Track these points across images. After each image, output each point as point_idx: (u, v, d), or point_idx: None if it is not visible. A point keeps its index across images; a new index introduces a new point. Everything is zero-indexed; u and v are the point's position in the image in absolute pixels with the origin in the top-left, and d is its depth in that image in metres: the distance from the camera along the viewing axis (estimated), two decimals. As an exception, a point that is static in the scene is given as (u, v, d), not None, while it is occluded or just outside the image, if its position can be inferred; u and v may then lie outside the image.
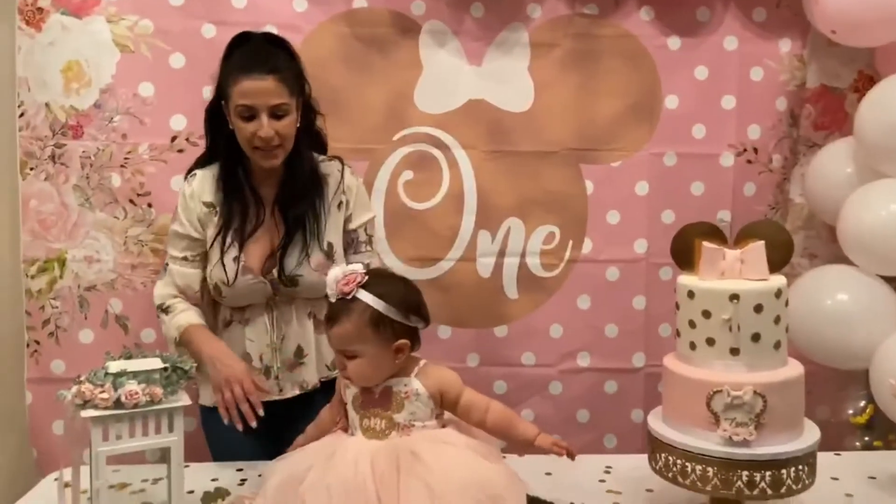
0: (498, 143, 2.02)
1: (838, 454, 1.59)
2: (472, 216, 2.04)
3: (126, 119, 1.90)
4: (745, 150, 2.07)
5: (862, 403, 1.92)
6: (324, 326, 1.31)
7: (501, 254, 2.05)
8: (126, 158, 1.90)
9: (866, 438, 1.95)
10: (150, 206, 1.92)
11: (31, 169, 1.89)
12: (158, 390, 1.18)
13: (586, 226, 2.06)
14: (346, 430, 1.27)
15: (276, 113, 1.51)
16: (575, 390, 2.08)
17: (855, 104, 1.96)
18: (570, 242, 2.07)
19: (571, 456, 1.28)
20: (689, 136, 2.05)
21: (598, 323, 2.08)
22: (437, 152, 2.02)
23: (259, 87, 1.49)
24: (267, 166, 1.56)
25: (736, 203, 2.06)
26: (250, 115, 1.50)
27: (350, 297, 1.21)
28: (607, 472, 1.52)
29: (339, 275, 1.22)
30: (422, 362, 1.28)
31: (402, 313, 1.23)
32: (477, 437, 1.26)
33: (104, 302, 1.94)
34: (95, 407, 1.16)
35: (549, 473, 1.51)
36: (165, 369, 1.21)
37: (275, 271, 1.56)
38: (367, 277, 1.22)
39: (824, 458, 1.57)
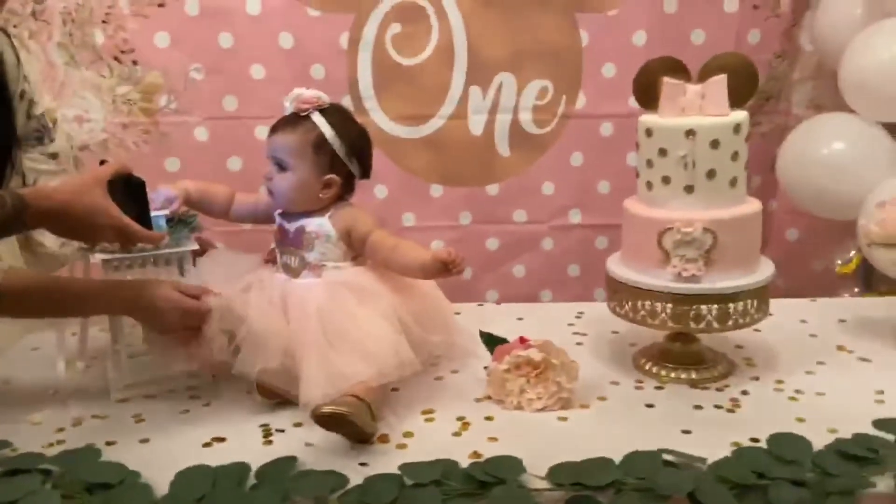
0: (488, -11, 1.93)
1: (814, 300, 1.59)
2: (462, 71, 1.98)
3: (102, -30, 1.86)
4: (751, -8, 1.94)
5: (852, 253, 1.89)
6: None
7: (493, 110, 2.00)
8: (107, 13, 1.87)
9: (856, 290, 1.93)
10: (135, 63, 1.90)
11: (15, 27, 1.88)
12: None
13: (580, 79, 2.00)
14: (274, 261, 1.28)
15: None
16: (566, 246, 2.08)
17: (874, -63, 1.80)
18: (564, 97, 2.01)
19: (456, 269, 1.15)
20: (692, -23, 1.93)
21: (591, 179, 2.05)
22: (424, 2, 1.94)
23: None
24: None
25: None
26: None
27: (304, 114, 1.21)
28: (578, 317, 1.55)
29: (303, 92, 1.21)
30: (343, 205, 1.25)
31: (345, 150, 1.22)
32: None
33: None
34: (104, 251, 1.17)
35: (520, 318, 1.56)
36: (171, 219, 1.21)
37: None
38: (328, 105, 1.23)
39: (797, 303, 1.58)
